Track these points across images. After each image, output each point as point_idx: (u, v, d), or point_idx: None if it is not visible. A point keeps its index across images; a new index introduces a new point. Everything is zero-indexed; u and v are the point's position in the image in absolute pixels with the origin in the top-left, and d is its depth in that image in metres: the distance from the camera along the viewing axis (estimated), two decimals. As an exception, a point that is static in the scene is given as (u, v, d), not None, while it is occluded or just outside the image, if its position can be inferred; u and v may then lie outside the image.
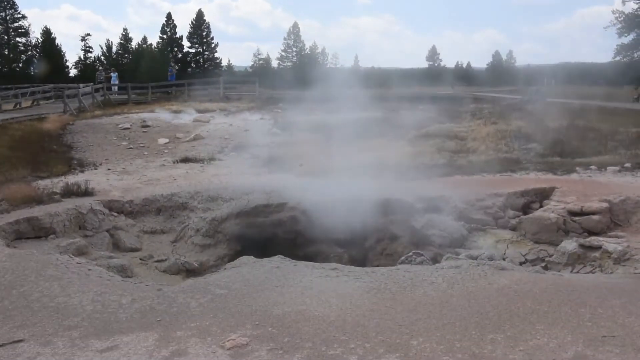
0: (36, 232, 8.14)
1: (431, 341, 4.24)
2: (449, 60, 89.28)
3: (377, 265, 7.39)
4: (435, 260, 7.65)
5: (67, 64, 63.47)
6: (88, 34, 72.54)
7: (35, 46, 60.59)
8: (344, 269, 6.22)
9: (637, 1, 33.14)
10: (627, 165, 11.92)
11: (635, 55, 34.01)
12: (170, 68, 41.54)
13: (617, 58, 34.77)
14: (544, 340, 4.21)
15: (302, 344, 4.26)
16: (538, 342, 4.17)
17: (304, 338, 4.35)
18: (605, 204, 8.84)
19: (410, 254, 7.53)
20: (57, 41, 61.78)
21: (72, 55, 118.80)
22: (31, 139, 16.98)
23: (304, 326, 4.56)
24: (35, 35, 60.91)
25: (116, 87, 32.95)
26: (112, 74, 33.99)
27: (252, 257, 7.01)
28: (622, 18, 33.28)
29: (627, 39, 33.83)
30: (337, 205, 9.51)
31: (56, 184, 10.75)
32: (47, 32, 60.28)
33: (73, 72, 62.90)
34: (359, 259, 8.92)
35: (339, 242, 9.14)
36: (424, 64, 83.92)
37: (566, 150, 14.64)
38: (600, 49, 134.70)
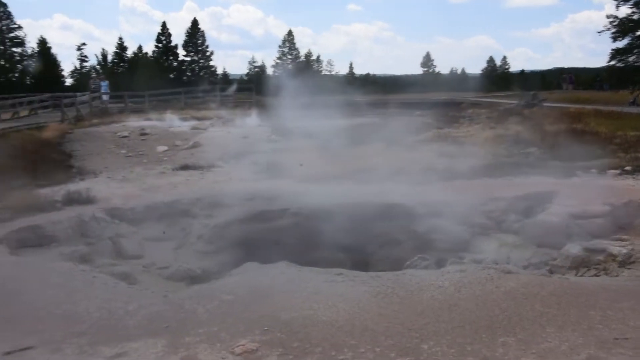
0: (39, 240, 8.11)
1: (442, 345, 4.23)
2: (443, 67, 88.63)
3: (381, 270, 7.36)
4: (439, 264, 7.62)
5: (63, 73, 63.38)
6: (84, 44, 72.35)
7: (31, 56, 60.47)
8: (349, 273, 6.19)
9: (631, 5, 33.21)
10: (628, 168, 11.92)
11: (630, 59, 34.04)
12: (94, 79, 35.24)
13: (612, 62, 34.83)
14: (555, 343, 4.20)
15: (311, 349, 4.24)
16: (549, 345, 4.16)
17: (313, 343, 4.33)
18: (607, 207, 8.84)
19: (415, 258, 7.51)
20: (52, 51, 61.73)
21: (66, 64, 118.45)
22: (31, 148, 16.87)
23: (312, 331, 4.54)
24: (31, 45, 60.83)
25: (108, 96, 32.32)
26: (101, 83, 33.01)
27: (257, 263, 6.99)
28: (616, 22, 33.34)
29: (622, 43, 33.87)
30: (339, 210, 9.51)
31: (57, 192, 10.70)
32: (42, 42, 60.16)
33: (69, 81, 62.76)
34: (362, 265, 8.88)
35: (342, 247, 9.10)
36: (418, 71, 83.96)
37: (565, 154, 14.65)
38: (593, 53, 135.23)
